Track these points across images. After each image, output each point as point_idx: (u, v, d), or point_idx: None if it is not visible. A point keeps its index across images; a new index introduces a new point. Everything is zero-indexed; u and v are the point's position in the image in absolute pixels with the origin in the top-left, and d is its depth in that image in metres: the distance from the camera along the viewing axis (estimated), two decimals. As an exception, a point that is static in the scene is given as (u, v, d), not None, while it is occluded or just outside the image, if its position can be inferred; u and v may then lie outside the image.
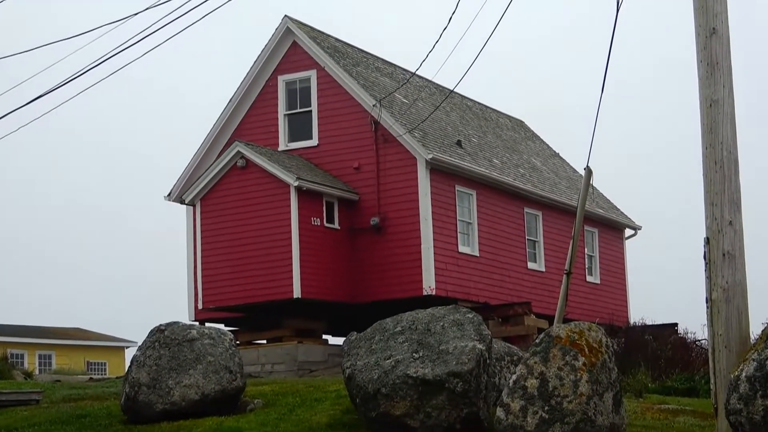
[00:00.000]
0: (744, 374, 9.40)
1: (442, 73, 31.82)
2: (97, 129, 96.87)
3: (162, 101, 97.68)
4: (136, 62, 19.97)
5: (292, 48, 30.10)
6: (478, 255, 30.35)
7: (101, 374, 54.00)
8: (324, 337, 29.61)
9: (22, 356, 54.34)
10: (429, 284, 28.03)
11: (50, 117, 21.99)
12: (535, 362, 11.98)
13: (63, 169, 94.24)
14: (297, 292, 27.15)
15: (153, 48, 19.84)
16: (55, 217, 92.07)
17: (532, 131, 41.72)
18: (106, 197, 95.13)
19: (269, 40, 30.07)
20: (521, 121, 41.70)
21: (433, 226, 28.42)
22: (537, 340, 12.25)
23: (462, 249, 29.77)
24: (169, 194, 30.59)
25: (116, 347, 64.12)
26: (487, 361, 13.70)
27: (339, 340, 28.29)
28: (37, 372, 45.64)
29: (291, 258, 27.17)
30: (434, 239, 28.36)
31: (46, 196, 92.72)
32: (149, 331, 16.33)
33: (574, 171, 39.36)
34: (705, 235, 11.12)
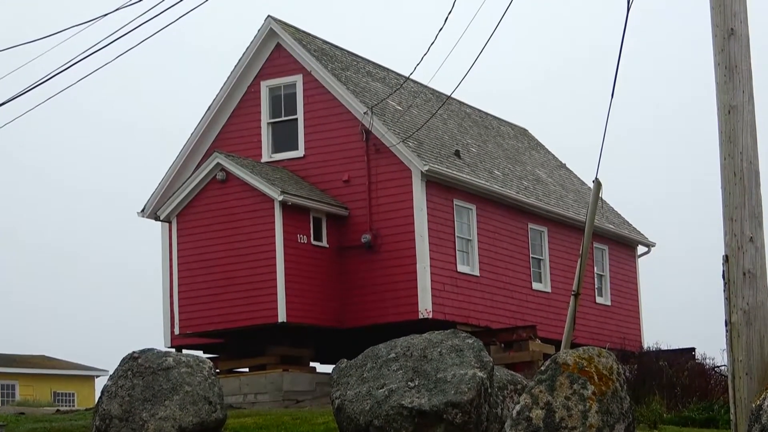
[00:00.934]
0: (767, 403, 9.41)
1: (438, 77, 31.80)
2: (65, 139, 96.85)
3: (135, 109, 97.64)
4: (105, 67, 20.01)
5: (276, 51, 30.13)
6: (478, 275, 30.36)
7: (69, 406, 53.88)
8: (311, 364, 29.58)
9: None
10: (425, 307, 28.01)
11: (10, 127, 21.96)
12: (541, 391, 11.98)
13: (25, 182, 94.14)
14: (282, 316, 27.13)
15: (124, 52, 19.85)
16: (17, 233, 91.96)
17: (537, 140, 41.80)
18: (75, 212, 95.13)
19: (251, 43, 30.08)
20: (525, 130, 41.79)
21: (430, 243, 28.43)
22: (542, 367, 12.24)
23: (461, 268, 29.78)
24: (142, 210, 30.58)
25: (85, 376, 64.04)
26: (489, 390, 13.69)
27: (328, 368, 28.28)
28: (4, 403, 45.53)
29: (275, 279, 27.16)
30: (431, 258, 28.37)
31: (7, 211, 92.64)
32: (121, 358, 16.30)
33: (582, 183, 39.44)
34: (724, 253, 11.12)
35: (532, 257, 33.00)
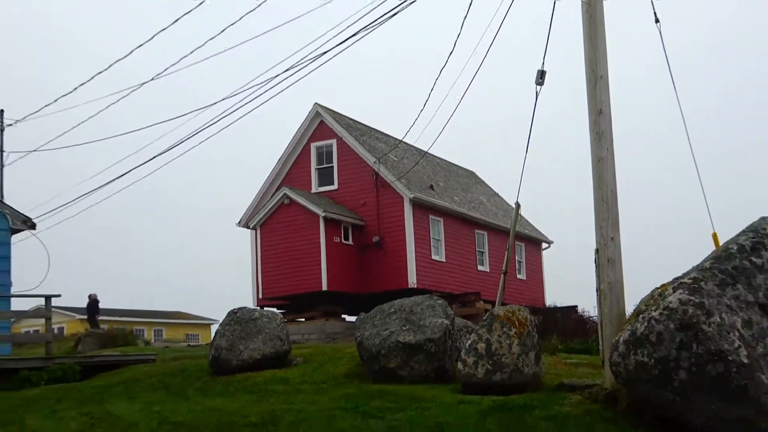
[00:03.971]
0: (621, 339, 9.39)
1: (420, 141, 31.90)
2: (193, 182, 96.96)
3: (233, 161, 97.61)
4: (216, 137, 20.14)
5: (320, 124, 30.20)
6: (444, 261, 30.35)
7: (195, 342, 53.79)
8: (343, 316, 29.59)
9: (143, 331, 54.08)
10: (412, 280, 28.01)
11: (152, 175, 22.00)
12: (483, 332, 11.96)
13: (164, 204, 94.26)
14: (324, 286, 27.14)
15: (227, 125, 19.92)
16: (173, 237, 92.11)
17: (480, 178, 41.75)
18: (199, 223, 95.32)
19: (304, 119, 30.20)
20: (473, 172, 41.75)
21: (415, 242, 28.44)
22: (484, 318, 12.24)
23: (434, 257, 29.78)
24: (239, 222, 30.62)
25: (205, 323, 64.01)
26: (451, 331, 13.68)
27: (352, 318, 28.28)
28: (153, 341, 45.61)
29: (320, 263, 27.18)
30: (415, 251, 28.39)
31: (170, 227, 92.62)
32: (227, 312, 16.31)
33: (508, 205, 39.40)
34: (596, 247, 11.13)
35: (477, 250, 32.97)
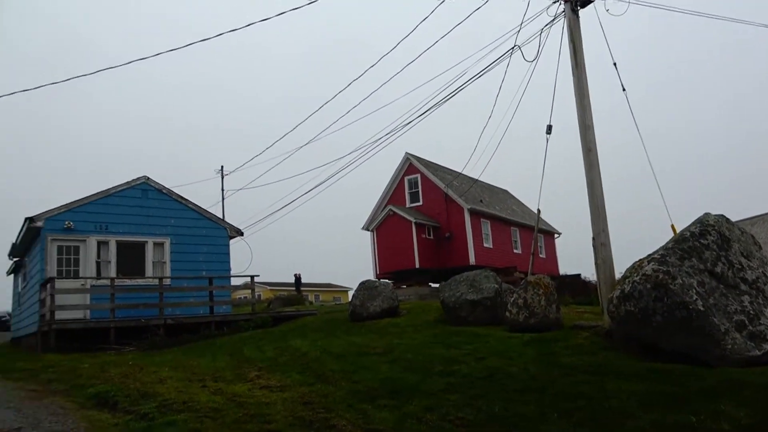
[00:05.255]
0: (615, 296, 9.01)
1: (474, 172, 31.52)
2: (339, 202, 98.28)
3: (358, 189, 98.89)
4: (348, 176, 20.37)
5: (410, 166, 30.22)
6: (492, 247, 29.74)
7: (339, 302, 54.62)
8: (429, 283, 29.43)
9: (308, 295, 55.40)
10: (473, 260, 27.58)
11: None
12: (521, 292, 11.71)
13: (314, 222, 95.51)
14: (417, 265, 27.03)
15: (356, 168, 19.99)
16: (327, 236, 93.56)
17: (512, 194, 40.70)
18: (337, 228, 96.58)
19: (400, 163, 30.26)
20: (506, 190, 40.77)
21: (473, 236, 28.01)
22: (522, 283, 11.97)
23: (485, 245, 29.22)
24: (364, 227, 30.99)
25: (345, 290, 64.78)
26: (500, 291, 13.43)
27: (435, 285, 28.11)
28: (314, 302, 46.59)
29: (414, 251, 27.10)
30: (474, 241, 27.94)
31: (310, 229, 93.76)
32: (359, 283, 16.50)
33: (531, 210, 38.30)
34: (592, 236, 10.71)
35: (513, 240, 32.18)
